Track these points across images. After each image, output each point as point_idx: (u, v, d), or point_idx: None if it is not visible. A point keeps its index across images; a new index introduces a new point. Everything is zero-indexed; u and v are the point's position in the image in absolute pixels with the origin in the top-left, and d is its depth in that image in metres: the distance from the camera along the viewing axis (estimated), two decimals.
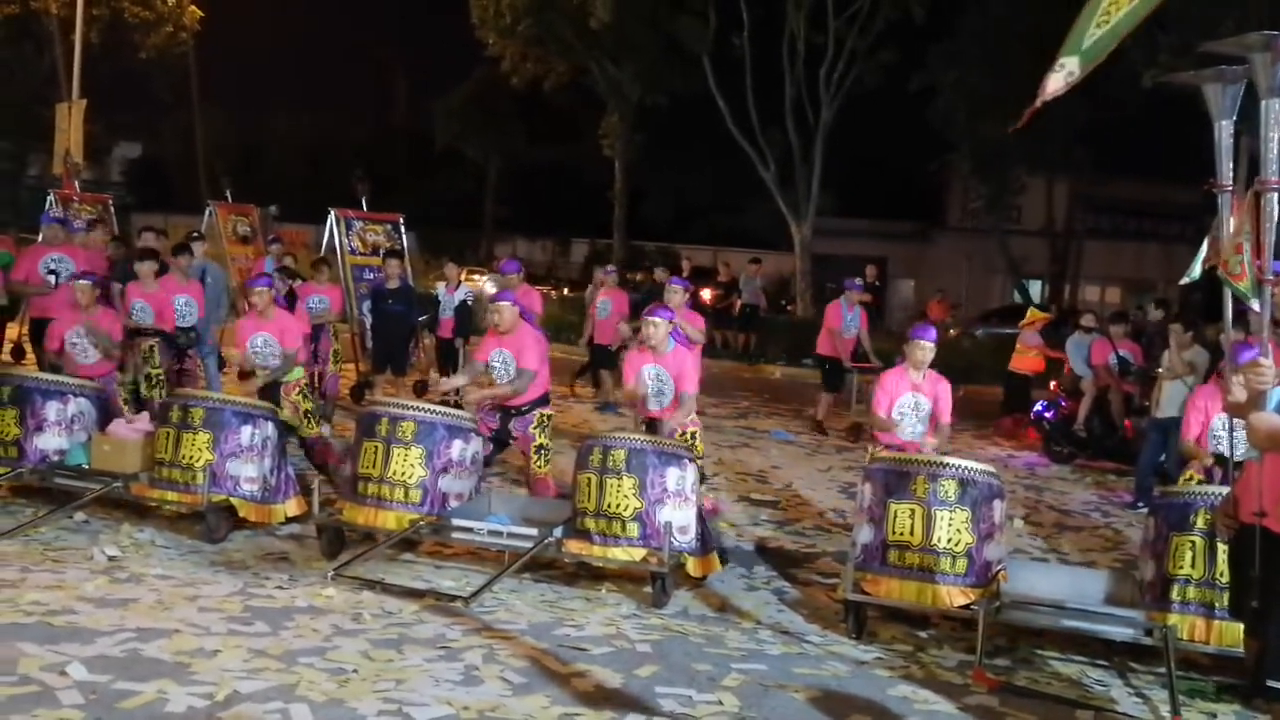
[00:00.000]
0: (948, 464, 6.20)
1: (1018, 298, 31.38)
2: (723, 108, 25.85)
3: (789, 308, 27.73)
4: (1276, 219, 4.96)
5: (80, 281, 8.59)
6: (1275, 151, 4.84)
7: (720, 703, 4.92)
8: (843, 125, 25.93)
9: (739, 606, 6.52)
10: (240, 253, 16.76)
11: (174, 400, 7.48)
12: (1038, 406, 12.51)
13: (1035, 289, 31.89)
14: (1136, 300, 26.52)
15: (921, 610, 6.19)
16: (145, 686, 4.58)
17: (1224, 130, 5.48)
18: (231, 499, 7.13)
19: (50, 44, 31.11)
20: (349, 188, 15.85)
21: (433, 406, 7.28)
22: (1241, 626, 5.24)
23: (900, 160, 33.75)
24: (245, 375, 8.75)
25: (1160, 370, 9.90)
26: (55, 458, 7.65)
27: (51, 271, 10.29)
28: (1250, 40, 4.62)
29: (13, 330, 12.35)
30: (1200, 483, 6.80)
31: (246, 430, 7.20)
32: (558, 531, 6.62)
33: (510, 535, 6.66)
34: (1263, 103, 4.60)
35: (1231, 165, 5.68)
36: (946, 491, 6.07)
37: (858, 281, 13.30)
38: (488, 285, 10.17)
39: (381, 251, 13.70)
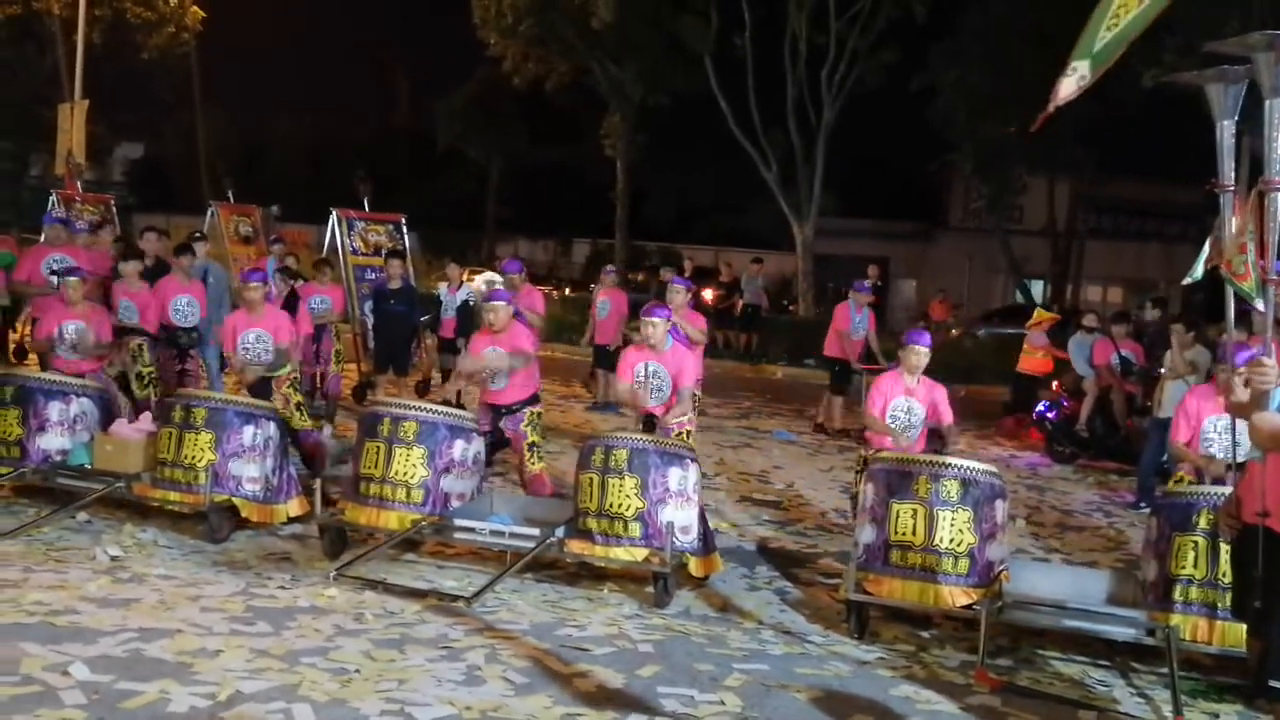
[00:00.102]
0: (950, 464, 6.20)
1: (1019, 298, 31.36)
2: (724, 108, 25.84)
3: (791, 308, 27.73)
4: None
5: (69, 278, 8.58)
6: (1279, 152, 4.83)
7: (722, 703, 4.92)
8: (844, 125, 25.92)
9: (741, 606, 6.52)
10: (242, 253, 16.77)
11: (176, 400, 7.48)
12: (1040, 407, 12.51)
13: (1037, 289, 31.86)
14: (1138, 300, 26.48)
15: (924, 610, 6.19)
16: (148, 686, 4.59)
17: (1226, 130, 5.47)
18: (234, 499, 7.13)
19: (52, 44, 31.11)
20: (351, 188, 15.86)
21: (435, 407, 7.30)
22: (1244, 627, 5.24)
23: (902, 160, 33.72)
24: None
25: (1162, 370, 9.89)
26: (58, 458, 7.66)
27: (54, 272, 10.30)
28: (1253, 40, 4.61)
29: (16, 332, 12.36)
30: (1190, 484, 6.79)
31: (249, 430, 7.20)
32: (560, 531, 6.62)
33: (512, 535, 6.66)
34: (1266, 103, 4.58)
35: (1233, 166, 5.67)
36: (949, 491, 6.07)
37: (866, 283, 13.27)
38: (479, 284, 10.15)
39: (383, 252, 13.71)
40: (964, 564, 6.02)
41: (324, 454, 8.70)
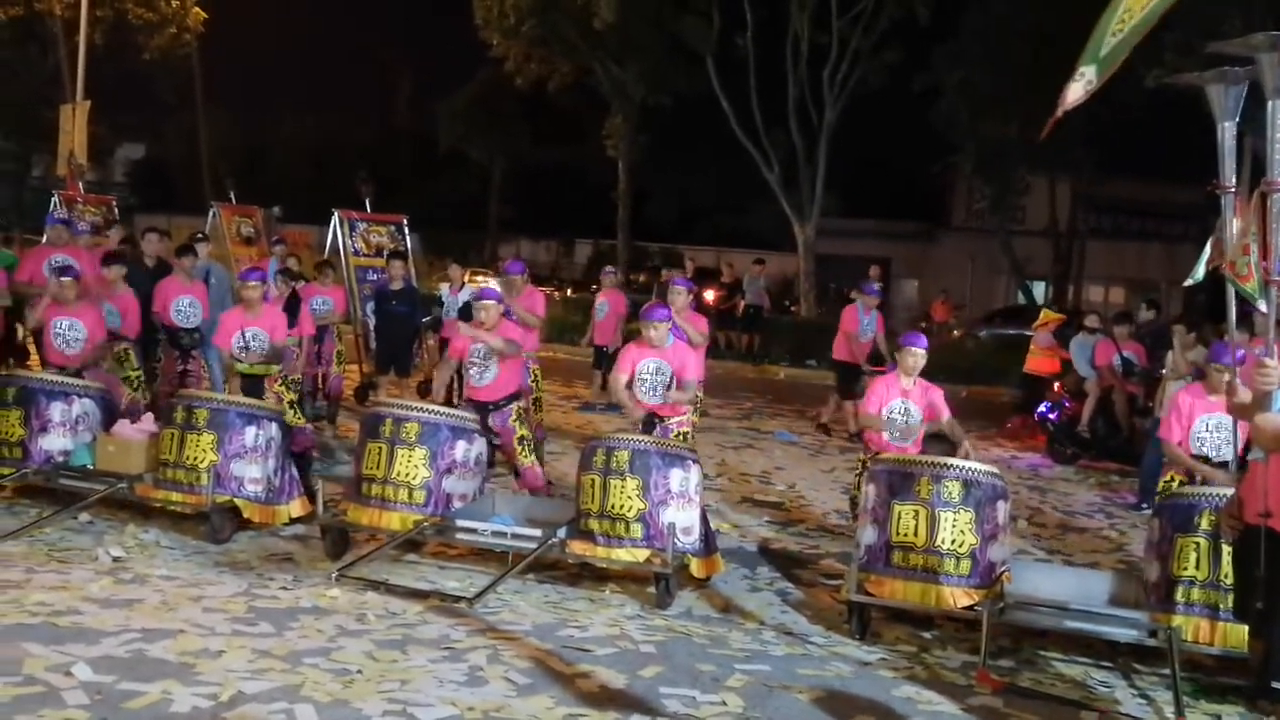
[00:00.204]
0: (951, 465, 6.21)
1: (1021, 299, 31.35)
2: (727, 108, 25.84)
3: (793, 308, 27.72)
4: None
5: (64, 277, 8.57)
6: None
7: (724, 703, 4.93)
8: (847, 126, 25.90)
9: (742, 607, 6.52)
10: (244, 254, 16.74)
11: (178, 401, 7.48)
12: (1041, 408, 12.50)
13: (1039, 290, 31.85)
14: (1138, 301, 26.44)
15: (925, 611, 6.19)
16: (150, 687, 4.59)
17: (1227, 131, 5.47)
18: (236, 500, 7.14)
19: (54, 45, 31.10)
20: (353, 189, 15.85)
21: (437, 408, 7.30)
22: (1246, 628, 5.24)
23: (904, 161, 33.71)
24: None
25: (1164, 371, 9.89)
26: (60, 458, 7.68)
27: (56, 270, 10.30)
28: (1256, 41, 4.61)
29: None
30: (1181, 484, 6.78)
31: (251, 431, 7.21)
32: (561, 532, 6.62)
33: (514, 536, 6.67)
34: (1269, 103, 4.58)
35: (1235, 167, 5.67)
36: (950, 493, 6.07)
37: (875, 286, 13.25)
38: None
39: (385, 253, 13.70)
40: (966, 565, 6.02)
41: (315, 446, 8.73)
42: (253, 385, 8.26)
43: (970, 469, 6.21)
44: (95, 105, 20.96)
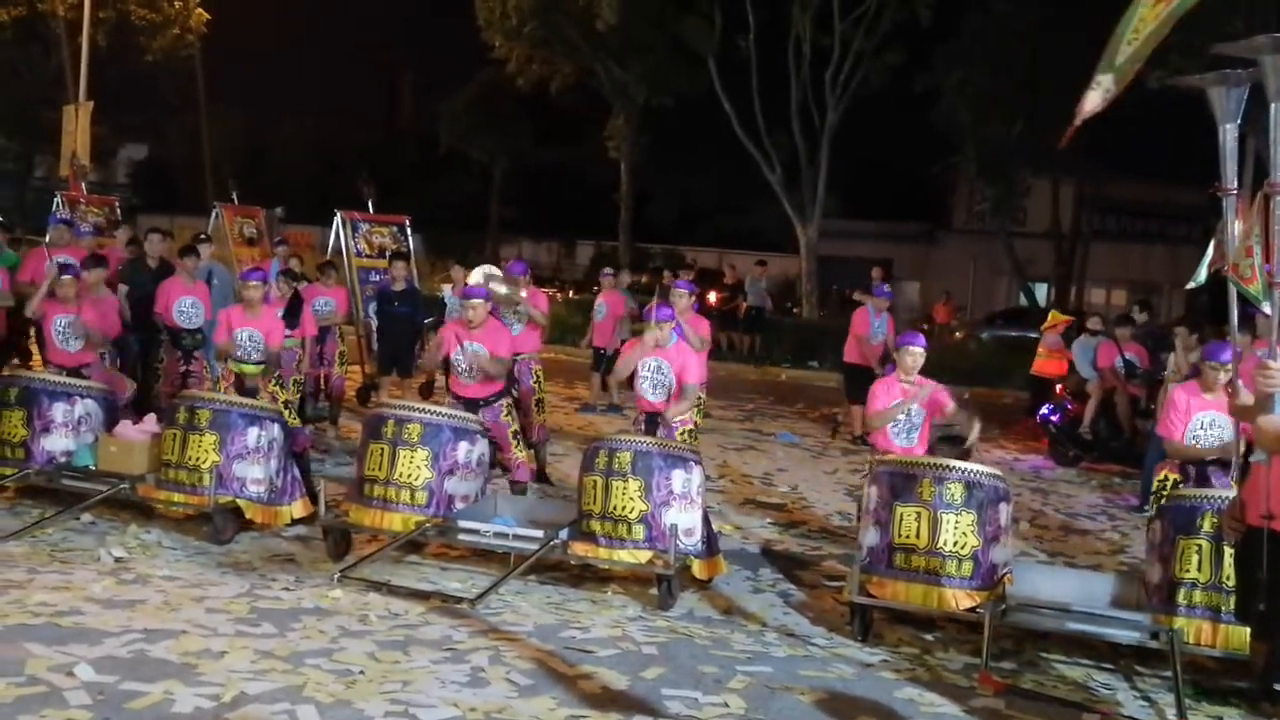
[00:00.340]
0: (953, 467, 6.21)
1: (1023, 300, 31.34)
2: (728, 109, 25.86)
3: (795, 310, 27.73)
4: None
5: (64, 276, 8.58)
6: None
7: (726, 705, 4.93)
8: (848, 127, 25.93)
9: (745, 609, 6.52)
10: (247, 255, 16.73)
11: (180, 402, 7.49)
12: (1044, 410, 12.49)
13: (1041, 291, 31.84)
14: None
15: (927, 613, 6.18)
16: (152, 687, 4.60)
17: (1229, 134, 5.48)
18: (238, 500, 7.14)
19: (57, 46, 31.16)
20: (355, 190, 15.86)
21: (439, 408, 7.30)
22: (1248, 630, 5.24)
23: (906, 162, 33.75)
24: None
25: (1166, 373, 9.88)
26: (62, 459, 7.67)
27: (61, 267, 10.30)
28: (1259, 43, 4.61)
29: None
30: (1176, 483, 6.77)
31: (253, 432, 7.21)
32: (563, 533, 6.62)
33: (516, 537, 6.67)
34: (1272, 105, 4.58)
35: (1237, 169, 5.67)
36: (952, 494, 6.07)
37: (885, 288, 13.23)
38: (478, 274, 10.12)
39: (387, 253, 13.70)
40: (968, 567, 6.02)
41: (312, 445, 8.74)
42: (248, 385, 8.27)
43: (972, 471, 6.21)
44: (98, 106, 21.01)
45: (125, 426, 7.88)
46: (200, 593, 5.95)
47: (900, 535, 6.10)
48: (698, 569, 6.63)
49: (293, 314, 9.77)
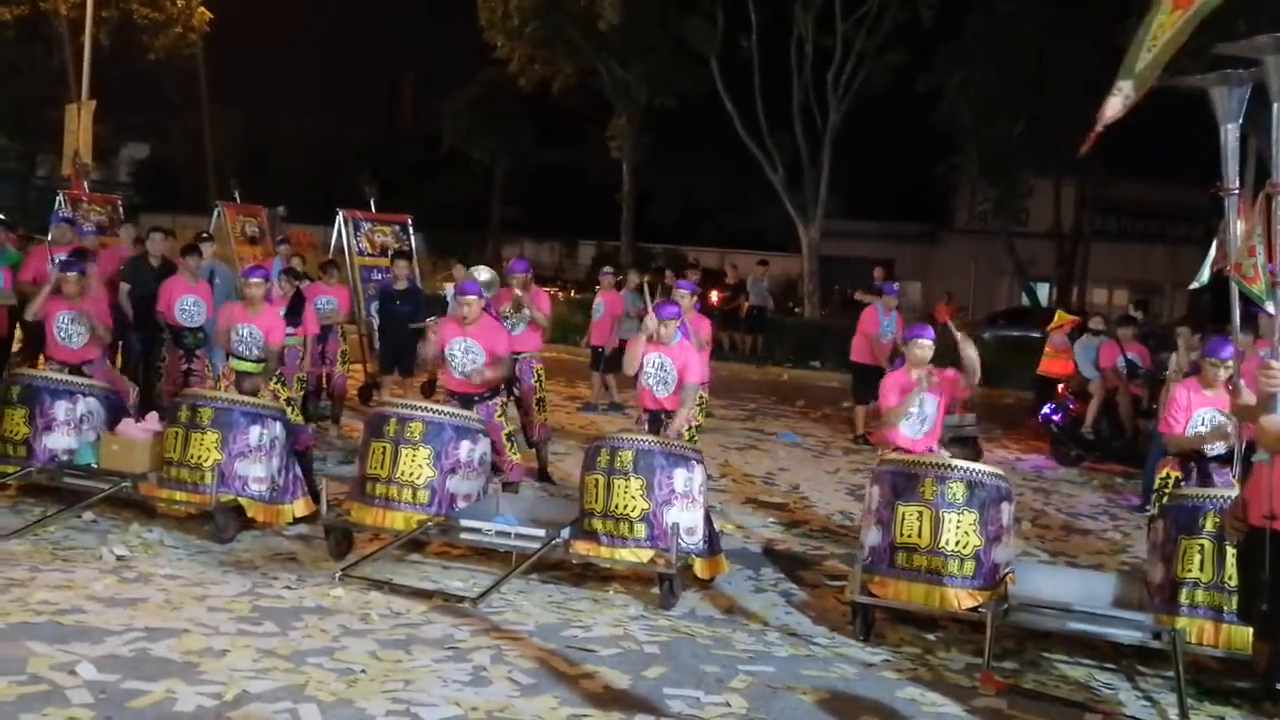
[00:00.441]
0: (955, 466, 6.21)
1: (1025, 300, 31.33)
2: (730, 110, 25.86)
3: (796, 310, 27.73)
4: None
5: (66, 272, 8.57)
6: None
7: (728, 704, 4.93)
8: (850, 127, 25.94)
9: (746, 608, 6.52)
10: (249, 253, 16.72)
11: (182, 400, 7.49)
12: (1046, 409, 12.48)
13: (1043, 291, 31.84)
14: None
15: (929, 613, 6.18)
16: (154, 686, 4.60)
17: (1230, 134, 5.47)
18: (240, 499, 7.14)
19: (59, 45, 31.19)
20: (357, 189, 15.85)
21: (441, 407, 7.30)
22: (1250, 630, 5.23)
23: (908, 162, 33.73)
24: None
25: (1168, 373, 9.87)
26: (64, 457, 7.68)
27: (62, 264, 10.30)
28: (1261, 43, 4.61)
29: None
30: (1178, 481, 6.76)
31: (255, 430, 7.22)
32: (565, 532, 6.62)
33: (518, 536, 6.67)
34: (1274, 105, 4.58)
35: (1238, 169, 5.67)
36: (954, 494, 6.07)
37: (895, 286, 13.22)
38: (480, 274, 10.10)
39: (389, 253, 13.71)
40: (969, 566, 6.02)
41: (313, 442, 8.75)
42: (247, 383, 8.26)
43: (974, 470, 6.21)
44: (100, 105, 20.99)
45: (127, 425, 7.89)
46: (202, 591, 5.96)
47: (902, 535, 6.10)
48: (699, 568, 6.63)
49: (295, 313, 9.77)
